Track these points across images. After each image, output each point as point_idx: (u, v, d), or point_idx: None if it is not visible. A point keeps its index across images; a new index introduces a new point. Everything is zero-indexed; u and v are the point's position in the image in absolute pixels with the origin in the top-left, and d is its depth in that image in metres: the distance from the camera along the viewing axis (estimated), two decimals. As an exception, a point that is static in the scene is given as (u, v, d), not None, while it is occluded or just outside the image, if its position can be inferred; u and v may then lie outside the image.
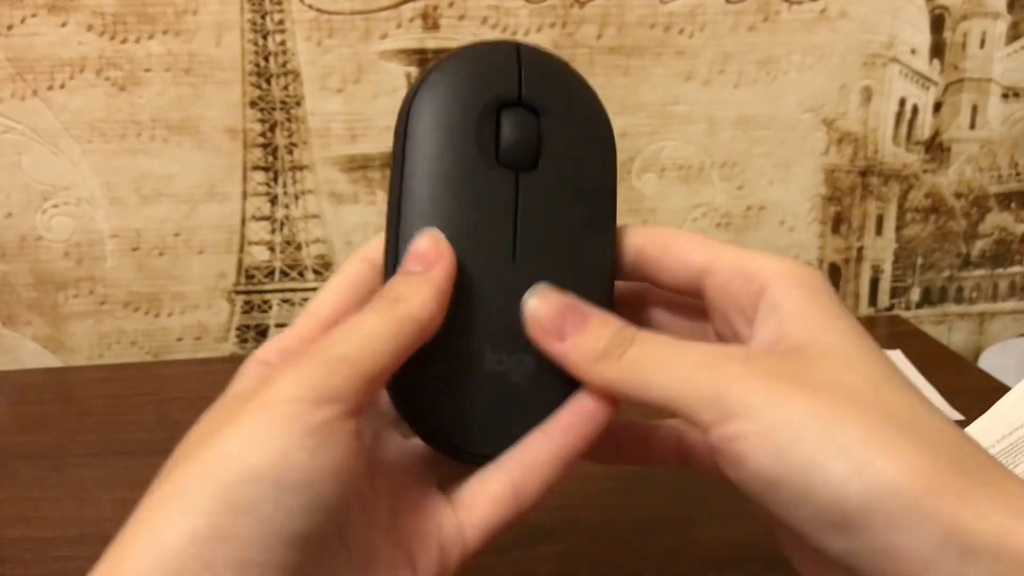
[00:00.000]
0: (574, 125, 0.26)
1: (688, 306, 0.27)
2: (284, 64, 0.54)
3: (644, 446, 0.27)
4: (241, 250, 0.58)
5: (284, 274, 0.59)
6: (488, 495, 0.24)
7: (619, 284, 0.27)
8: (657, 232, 0.26)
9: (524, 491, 0.24)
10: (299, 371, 0.20)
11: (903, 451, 0.19)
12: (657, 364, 0.22)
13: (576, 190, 0.25)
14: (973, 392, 0.48)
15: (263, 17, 0.53)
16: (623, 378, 0.23)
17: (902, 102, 0.60)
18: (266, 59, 0.54)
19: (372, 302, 0.23)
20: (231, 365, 0.24)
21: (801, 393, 0.20)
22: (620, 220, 0.26)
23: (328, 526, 0.20)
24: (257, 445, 0.19)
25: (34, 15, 0.52)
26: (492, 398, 0.25)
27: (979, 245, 0.65)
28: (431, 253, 0.24)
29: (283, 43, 0.54)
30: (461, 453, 0.25)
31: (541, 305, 0.24)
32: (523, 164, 0.25)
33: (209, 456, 0.19)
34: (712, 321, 0.26)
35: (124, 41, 0.53)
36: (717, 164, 0.60)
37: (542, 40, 0.55)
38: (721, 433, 0.21)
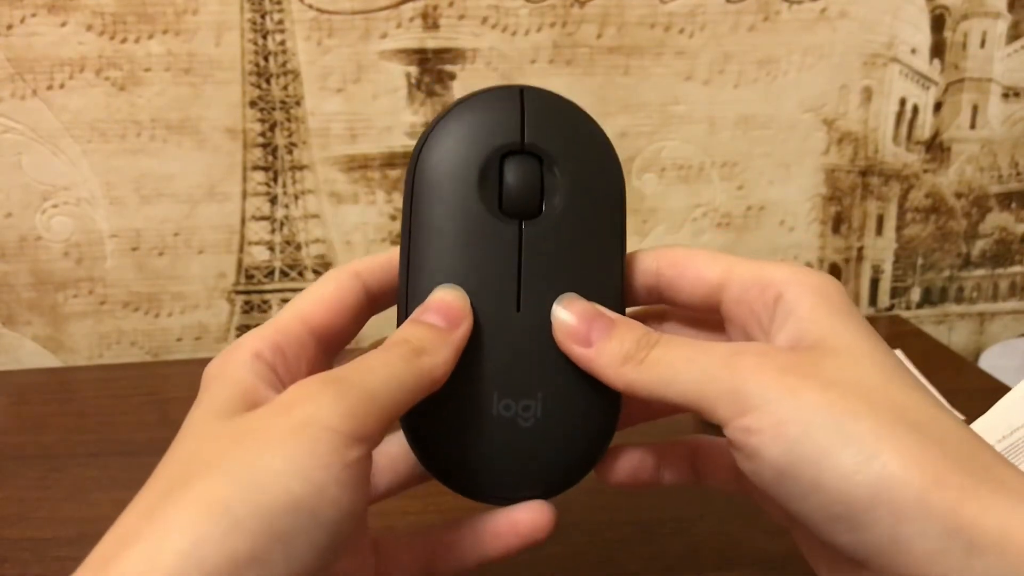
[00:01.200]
0: (579, 168, 0.26)
1: (704, 322, 0.28)
2: (284, 64, 0.54)
3: (656, 466, 0.27)
4: (241, 250, 0.58)
5: (284, 274, 0.59)
6: (407, 562, 0.26)
7: (635, 308, 0.27)
8: (670, 253, 0.26)
9: (439, 568, 0.26)
10: (339, 401, 0.20)
11: (911, 445, 0.19)
12: (678, 363, 0.23)
13: (581, 233, 0.26)
14: (973, 392, 0.48)
15: (263, 17, 0.53)
16: (646, 378, 0.23)
17: (902, 102, 0.60)
18: (266, 59, 0.54)
19: (396, 344, 0.23)
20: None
21: (814, 387, 0.21)
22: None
23: (329, 565, 0.20)
24: (297, 473, 0.19)
25: (34, 15, 0.52)
26: (500, 442, 0.25)
27: (979, 245, 0.65)
28: (454, 311, 0.24)
29: (283, 43, 0.54)
30: (472, 495, 0.26)
31: (568, 313, 0.25)
32: (527, 212, 0.25)
33: (249, 475, 0.19)
34: (729, 335, 0.26)
35: (124, 41, 0.53)
36: (717, 164, 0.60)
37: (542, 40, 0.55)
38: (738, 426, 0.21)
